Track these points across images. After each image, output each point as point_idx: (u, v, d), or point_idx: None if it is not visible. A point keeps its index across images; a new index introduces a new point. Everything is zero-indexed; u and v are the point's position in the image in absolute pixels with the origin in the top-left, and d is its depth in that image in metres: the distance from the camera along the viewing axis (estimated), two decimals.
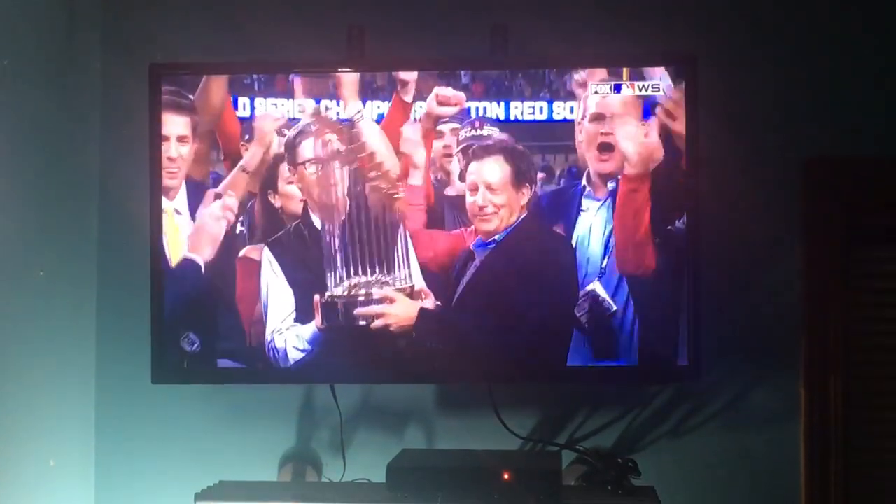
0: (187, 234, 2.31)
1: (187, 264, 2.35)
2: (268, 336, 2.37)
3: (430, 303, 2.05)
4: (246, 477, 2.66)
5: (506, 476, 2.41)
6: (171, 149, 2.35)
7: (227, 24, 2.85)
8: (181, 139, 2.42)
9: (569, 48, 2.69)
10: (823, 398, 2.71)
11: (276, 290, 2.28)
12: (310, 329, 2.24)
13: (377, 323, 2.04)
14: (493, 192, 2.02)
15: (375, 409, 2.80)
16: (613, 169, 2.01)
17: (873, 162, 2.74)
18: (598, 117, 2.02)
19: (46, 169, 2.68)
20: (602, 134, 2.01)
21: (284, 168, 2.16)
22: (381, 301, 2.02)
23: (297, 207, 2.22)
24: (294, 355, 2.26)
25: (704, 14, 2.77)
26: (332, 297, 2.09)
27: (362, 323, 2.07)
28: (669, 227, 1.98)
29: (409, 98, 2.17)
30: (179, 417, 2.85)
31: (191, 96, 2.34)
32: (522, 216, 2.02)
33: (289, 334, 2.27)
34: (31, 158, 2.61)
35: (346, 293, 2.05)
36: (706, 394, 2.73)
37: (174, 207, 2.45)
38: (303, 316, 2.26)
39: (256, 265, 2.25)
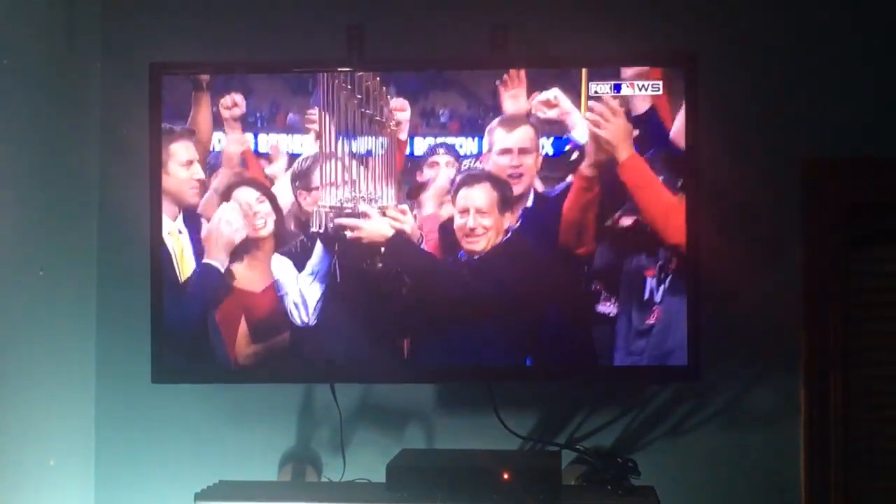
0: (191, 250, 2.45)
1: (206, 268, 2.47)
2: (290, 307, 2.43)
3: (407, 226, 2.23)
4: (246, 477, 2.66)
5: (505, 476, 2.41)
6: (198, 171, 2.45)
7: (227, 23, 2.85)
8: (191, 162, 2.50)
9: (567, 48, 2.69)
10: (823, 398, 2.71)
11: (288, 276, 2.42)
12: (316, 255, 2.34)
13: (353, 234, 2.24)
14: (482, 215, 2.24)
15: (375, 409, 2.80)
16: (522, 191, 2.27)
17: (873, 162, 2.74)
18: (507, 151, 2.28)
19: (46, 168, 2.68)
20: (512, 167, 2.27)
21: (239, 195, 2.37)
22: (360, 216, 2.22)
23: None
24: (308, 278, 2.36)
25: (703, 14, 2.77)
26: (323, 206, 2.27)
27: (346, 233, 2.26)
28: (610, 222, 2.24)
29: (404, 136, 2.33)
30: (179, 417, 2.85)
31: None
32: (506, 238, 2.25)
33: (301, 280, 2.39)
34: (31, 158, 2.62)
35: (336, 204, 2.23)
36: (706, 393, 2.73)
37: (177, 228, 2.50)
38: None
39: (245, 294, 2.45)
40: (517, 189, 2.33)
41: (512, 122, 2.31)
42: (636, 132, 2.29)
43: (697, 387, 2.69)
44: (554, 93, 2.30)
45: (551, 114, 2.27)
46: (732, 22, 2.76)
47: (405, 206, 2.28)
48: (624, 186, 2.28)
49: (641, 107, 2.34)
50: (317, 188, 2.30)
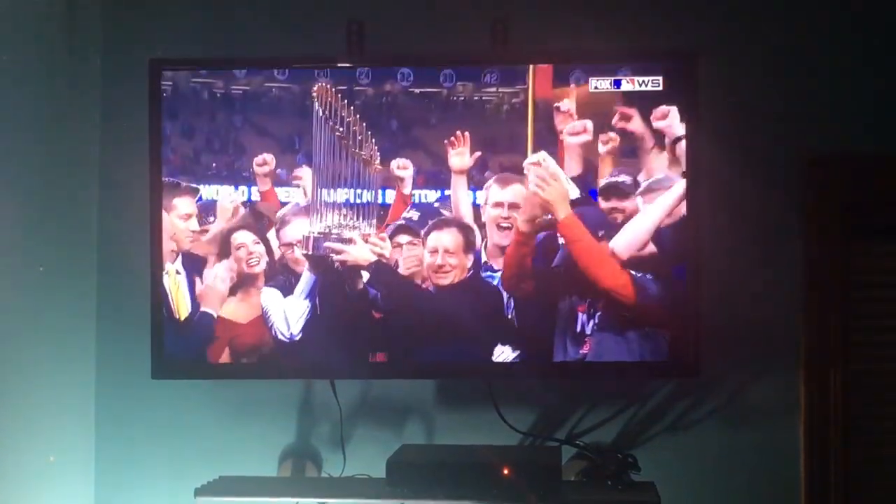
0: (187, 291, 2.63)
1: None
2: (282, 328, 2.60)
3: (386, 252, 2.52)
4: (246, 472, 2.67)
5: (505, 471, 2.42)
6: (194, 224, 2.61)
7: (227, 20, 2.85)
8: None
9: (568, 43, 2.70)
10: (823, 393, 2.71)
11: (275, 301, 2.61)
12: (304, 275, 2.58)
13: (339, 257, 2.51)
14: (449, 254, 2.51)
15: (375, 405, 2.80)
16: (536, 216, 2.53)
17: (873, 159, 2.74)
18: (498, 204, 2.53)
19: (47, 164, 2.68)
20: (502, 218, 2.53)
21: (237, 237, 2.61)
22: (346, 241, 2.50)
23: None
24: (296, 298, 2.59)
25: (703, 12, 2.77)
26: (312, 232, 2.54)
27: (332, 256, 2.53)
28: (549, 267, 2.51)
29: (407, 190, 2.57)
30: (179, 413, 2.85)
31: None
32: (468, 274, 2.53)
33: (288, 301, 2.60)
34: (31, 154, 2.62)
35: (323, 230, 2.51)
36: (706, 389, 2.73)
37: (175, 269, 2.62)
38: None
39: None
40: (508, 238, 2.56)
41: (505, 180, 2.54)
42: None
43: (697, 383, 2.69)
44: (542, 155, 2.51)
45: (540, 173, 2.50)
46: (734, 19, 2.76)
47: (384, 235, 2.53)
48: (558, 239, 2.53)
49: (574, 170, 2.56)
50: (289, 244, 2.57)
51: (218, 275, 2.61)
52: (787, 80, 2.75)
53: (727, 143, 2.70)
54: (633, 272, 2.51)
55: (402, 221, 2.56)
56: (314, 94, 2.55)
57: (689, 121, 2.50)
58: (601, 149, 2.52)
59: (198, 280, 2.62)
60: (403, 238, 2.54)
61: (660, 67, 2.52)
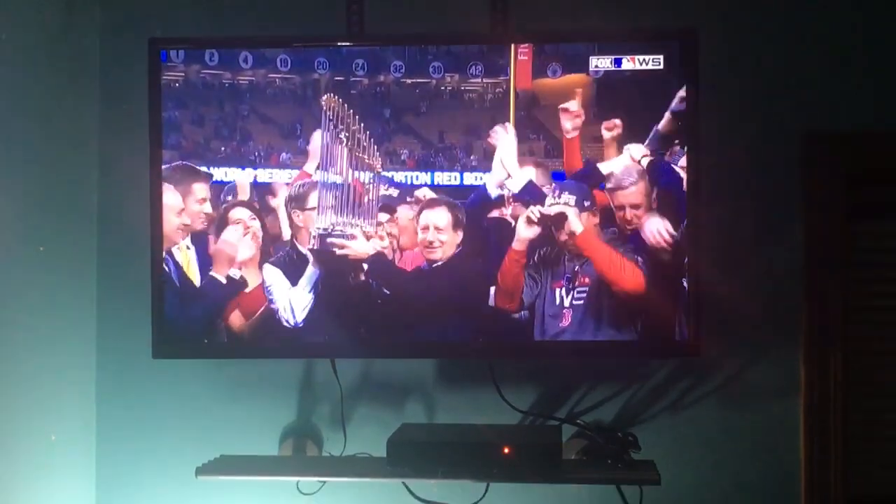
0: (197, 265, 2.68)
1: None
2: (287, 316, 2.64)
3: (386, 249, 2.65)
4: (247, 451, 2.68)
5: (506, 450, 2.42)
6: (208, 207, 2.66)
7: (227, 1, 2.85)
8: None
9: (568, 21, 2.69)
10: (823, 373, 2.71)
11: (279, 284, 2.67)
12: (309, 268, 2.65)
13: (341, 252, 2.63)
14: (439, 231, 2.63)
15: (376, 384, 2.81)
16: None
17: (873, 136, 2.74)
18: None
19: (46, 145, 2.68)
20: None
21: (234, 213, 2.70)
22: (347, 237, 2.63)
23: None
24: (301, 289, 2.65)
25: None
26: (318, 228, 2.65)
27: (335, 250, 2.64)
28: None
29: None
30: (180, 392, 2.85)
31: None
32: (458, 251, 2.63)
33: (293, 291, 2.67)
34: (30, 135, 2.61)
35: (328, 227, 2.64)
36: (707, 369, 2.73)
37: (186, 244, 2.66)
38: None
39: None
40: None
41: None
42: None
43: (698, 362, 2.69)
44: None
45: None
46: None
47: (383, 233, 2.65)
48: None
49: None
50: (312, 208, 2.65)
51: (229, 239, 2.65)
52: (787, 57, 2.74)
53: (727, 121, 2.70)
54: (638, 259, 2.54)
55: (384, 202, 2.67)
56: (322, 102, 2.62)
57: (689, 100, 2.49)
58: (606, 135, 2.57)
59: (211, 240, 2.66)
60: (383, 216, 2.65)
61: (660, 46, 2.51)
